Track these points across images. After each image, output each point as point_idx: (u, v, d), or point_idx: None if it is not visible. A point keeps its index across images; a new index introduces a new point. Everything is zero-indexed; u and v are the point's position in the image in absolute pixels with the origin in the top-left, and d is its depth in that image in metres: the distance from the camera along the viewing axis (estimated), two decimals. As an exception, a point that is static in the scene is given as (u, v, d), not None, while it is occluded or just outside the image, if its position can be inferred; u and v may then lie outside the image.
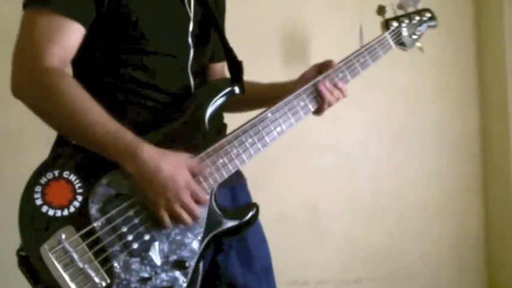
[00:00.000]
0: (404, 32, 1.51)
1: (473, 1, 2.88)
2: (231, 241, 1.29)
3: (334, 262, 2.65)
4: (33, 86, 1.09)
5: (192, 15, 1.29)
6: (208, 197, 1.16)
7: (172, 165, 1.08)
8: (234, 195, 1.33)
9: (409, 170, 2.76)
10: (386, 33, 1.48)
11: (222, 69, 1.46)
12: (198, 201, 1.11)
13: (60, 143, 1.19)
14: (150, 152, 1.07)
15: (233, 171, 1.20)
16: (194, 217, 1.11)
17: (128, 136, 1.08)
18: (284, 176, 2.56)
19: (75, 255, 1.04)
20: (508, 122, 2.70)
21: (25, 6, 1.14)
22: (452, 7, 2.68)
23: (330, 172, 2.65)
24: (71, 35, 1.13)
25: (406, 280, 2.71)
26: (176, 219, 1.10)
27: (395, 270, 2.71)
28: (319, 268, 2.62)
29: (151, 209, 1.09)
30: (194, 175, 1.13)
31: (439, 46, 2.63)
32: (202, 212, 1.14)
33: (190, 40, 1.28)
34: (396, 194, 2.74)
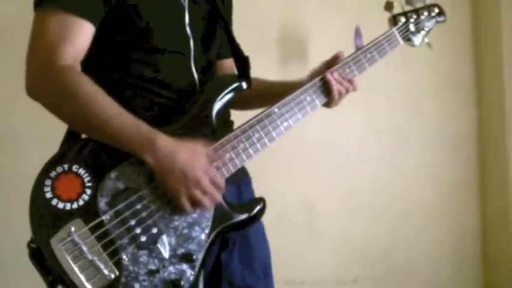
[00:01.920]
0: (412, 27, 1.51)
1: (471, 1, 2.87)
2: (235, 239, 1.30)
3: (331, 262, 2.65)
4: (49, 86, 1.11)
5: (186, 5, 1.29)
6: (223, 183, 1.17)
7: (189, 153, 1.11)
8: (240, 192, 1.34)
9: (407, 170, 2.76)
10: (394, 29, 1.48)
11: (231, 64, 1.47)
12: (216, 187, 1.13)
13: (69, 137, 1.21)
14: (166, 142, 1.10)
15: (240, 165, 1.21)
16: (215, 201, 1.14)
17: (145, 128, 1.10)
18: (283, 175, 2.56)
19: (84, 248, 1.05)
20: (506, 121, 2.70)
21: (36, 6, 1.16)
22: (450, 7, 2.64)
23: (328, 172, 2.65)
24: (82, 33, 1.15)
25: (403, 279, 2.71)
26: (197, 204, 1.12)
27: (393, 269, 2.71)
28: (317, 268, 2.62)
29: (171, 197, 1.11)
30: (210, 162, 1.15)
31: (436, 46, 2.63)
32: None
33: (188, 31, 1.29)
34: (394, 194, 2.73)
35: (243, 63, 1.31)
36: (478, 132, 2.87)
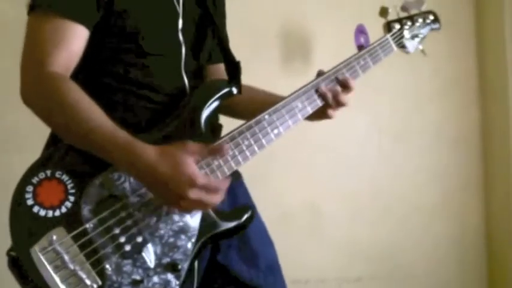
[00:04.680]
0: (407, 34, 1.50)
1: (474, 0, 2.84)
2: (231, 241, 1.27)
3: (335, 261, 2.64)
4: (38, 93, 1.08)
5: (180, 11, 1.27)
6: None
7: (171, 165, 1.03)
8: (234, 194, 1.31)
9: (409, 169, 2.74)
10: (388, 35, 1.46)
11: (222, 70, 1.45)
12: (211, 191, 1.05)
13: (53, 142, 1.18)
14: (147, 155, 1.04)
15: (228, 173, 1.18)
16: (208, 207, 1.09)
17: (125, 141, 1.05)
18: (286, 176, 2.54)
19: (66, 257, 1.02)
20: (509, 121, 2.67)
21: (29, 11, 1.14)
22: (453, 6, 2.65)
23: (330, 172, 2.64)
24: (76, 39, 1.13)
25: (407, 278, 2.70)
26: (189, 210, 1.08)
27: (396, 269, 2.70)
28: (320, 267, 2.61)
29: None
30: (198, 161, 1.09)
31: (439, 45, 2.58)
32: (197, 215, 1.14)
33: (180, 37, 1.27)
34: (397, 193, 2.71)
35: (233, 68, 1.29)
36: (481, 132, 2.85)
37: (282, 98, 1.29)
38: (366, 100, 2.57)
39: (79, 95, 1.08)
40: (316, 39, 2.56)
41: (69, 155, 1.08)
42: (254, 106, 1.32)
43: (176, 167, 1.03)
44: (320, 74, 1.34)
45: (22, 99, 1.11)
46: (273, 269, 1.34)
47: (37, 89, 1.09)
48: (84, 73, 1.18)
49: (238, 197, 1.32)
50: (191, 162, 1.05)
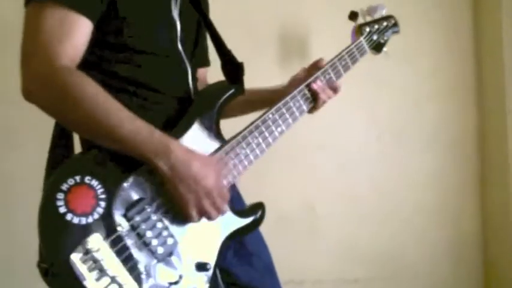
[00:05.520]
0: (375, 37, 1.61)
1: (472, 1, 2.80)
2: (230, 245, 1.29)
3: (331, 262, 2.63)
4: (49, 89, 1.02)
5: (177, 14, 1.27)
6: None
7: (202, 162, 1.09)
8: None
9: (407, 171, 2.72)
10: (361, 38, 1.57)
11: (205, 74, 1.47)
12: (223, 198, 1.13)
13: (61, 136, 1.13)
14: (181, 149, 1.07)
15: (243, 172, 1.22)
16: (221, 212, 1.13)
17: (158, 133, 1.06)
18: (282, 176, 2.52)
19: (104, 264, 0.99)
20: (506, 122, 2.64)
21: (28, 0, 1.07)
22: (451, 7, 2.65)
23: (328, 172, 2.62)
24: (82, 32, 1.08)
25: (403, 279, 2.69)
26: (204, 215, 1.10)
27: (393, 270, 2.69)
28: (316, 268, 2.61)
29: (178, 205, 1.08)
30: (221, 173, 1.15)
31: (437, 46, 2.65)
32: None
33: (179, 44, 1.26)
34: (394, 194, 2.70)
35: (236, 69, 1.31)
36: (478, 133, 2.81)
37: (275, 92, 1.36)
38: (365, 100, 2.59)
39: (98, 88, 1.05)
40: (315, 39, 2.56)
41: (95, 159, 1.05)
42: (252, 102, 1.38)
43: (207, 164, 1.10)
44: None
45: (25, 96, 1.04)
46: (269, 271, 1.39)
47: (48, 85, 1.02)
48: (85, 72, 1.14)
49: (233, 197, 1.35)
50: (216, 165, 1.13)
